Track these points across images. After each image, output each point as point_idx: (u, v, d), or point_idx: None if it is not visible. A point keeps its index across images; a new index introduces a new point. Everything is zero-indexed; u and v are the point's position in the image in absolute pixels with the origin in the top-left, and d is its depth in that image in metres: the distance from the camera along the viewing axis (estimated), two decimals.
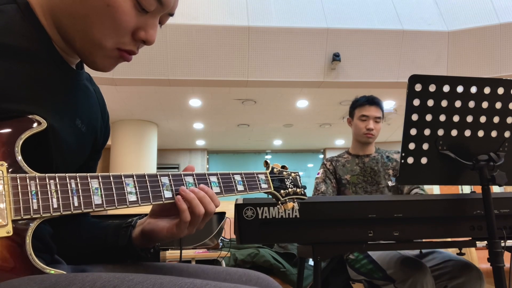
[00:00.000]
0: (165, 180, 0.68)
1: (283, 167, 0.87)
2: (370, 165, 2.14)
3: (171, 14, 0.73)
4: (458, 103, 1.23)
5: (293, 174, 0.88)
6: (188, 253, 2.59)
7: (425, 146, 1.25)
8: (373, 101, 2.18)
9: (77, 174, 0.60)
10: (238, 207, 1.24)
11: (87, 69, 0.80)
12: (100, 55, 0.68)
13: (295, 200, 0.85)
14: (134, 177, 0.65)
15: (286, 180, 0.85)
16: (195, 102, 6.54)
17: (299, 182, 0.88)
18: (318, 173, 2.20)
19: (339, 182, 2.13)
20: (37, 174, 0.57)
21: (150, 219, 0.77)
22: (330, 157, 2.25)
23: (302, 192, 0.87)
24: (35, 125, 0.61)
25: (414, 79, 1.20)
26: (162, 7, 0.69)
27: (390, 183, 2.09)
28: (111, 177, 0.63)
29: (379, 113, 2.17)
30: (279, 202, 0.82)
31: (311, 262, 1.55)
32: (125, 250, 0.78)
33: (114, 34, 0.66)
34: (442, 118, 1.24)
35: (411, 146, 1.24)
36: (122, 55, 0.70)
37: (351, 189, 2.09)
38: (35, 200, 0.55)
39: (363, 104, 2.18)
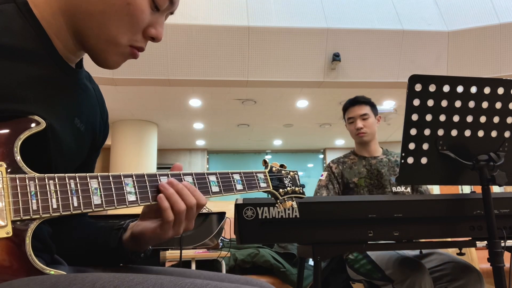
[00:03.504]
0: (164, 180, 0.68)
1: (281, 166, 0.87)
2: (377, 167, 2.11)
3: (172, 13, 0.76)
4: (458, 103, 1.23)
5: (291, 173, 0.88)
6: (188, 253, 2.58)
7: (425, 146, 1.25)
8: (354, 101, 2.20)
9: (77, 174, 0.60)
10: (238, 207, 1.24)
11: (86, 67, 0.80)
12: (113, 52, 0.70)
13: (294, 198, 0.85)
14: (134, 177, 0.65)
15: (284, 179, 0.85)
16: (195, 102, 6.53)
17: (298, 181, 0.89)
18: (322, 175, 2.15)
19: (346, 186, 2.09)
20: (36, 175, 0.57)
21: (139, 221, 0.76)
22: (336, 159, 2.20)
23: (301, 191, 0.88)
24: (33, 125, 0.61)
25: (414, 79, 1.20)
26: (172, 6, 0.73)
27: (394, 189, 2.06)
28: (111, 177, 0.62)
29: (363, 110, 2.17)
30: (278, 201, 0.83)
31: (311, 262, 1.55)
32: (115, 253, 0.77)
33: (130, 31, 0.69)
34: (442, 118, 1.23)
35: (411, 146, 1.24)
36: (132, 51, 0.72)
37: (359, 193, 2.05)
38: (34, 201, 0.55)
39: (347, 107, 2.23)
